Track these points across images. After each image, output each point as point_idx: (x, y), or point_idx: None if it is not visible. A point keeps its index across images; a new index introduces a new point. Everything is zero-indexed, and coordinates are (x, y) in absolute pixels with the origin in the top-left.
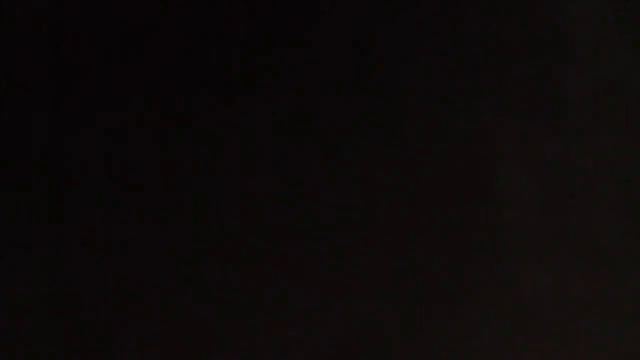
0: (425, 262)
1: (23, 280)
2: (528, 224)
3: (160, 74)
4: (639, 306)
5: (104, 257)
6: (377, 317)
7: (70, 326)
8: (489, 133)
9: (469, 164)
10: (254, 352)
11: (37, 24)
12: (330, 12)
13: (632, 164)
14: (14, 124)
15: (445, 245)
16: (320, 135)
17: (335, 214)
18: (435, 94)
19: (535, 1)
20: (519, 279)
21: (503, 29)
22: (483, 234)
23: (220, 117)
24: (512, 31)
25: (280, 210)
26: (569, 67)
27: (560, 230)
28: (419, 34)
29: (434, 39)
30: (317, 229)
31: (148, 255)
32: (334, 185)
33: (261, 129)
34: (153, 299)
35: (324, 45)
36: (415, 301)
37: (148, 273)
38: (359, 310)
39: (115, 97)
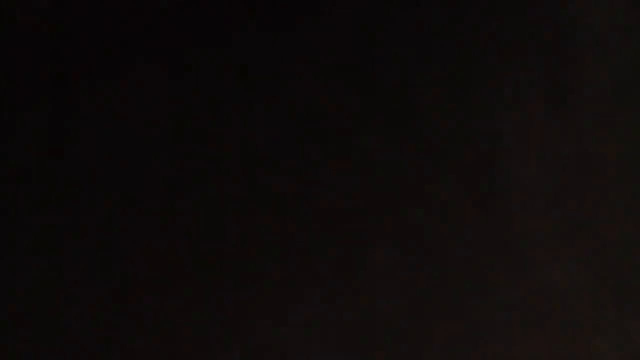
0: (435, 258)
1: (23, 280)
2: (540, 219)
3: (160, 74)
4: None
5: (104, 257)
6: (388, 313)
7: (70, 326)
8: (500, 128)
9: (480, 159)
10: (258, 351)
11: (37, 24)
12: (334, 11)
13: None
14: (14, 124)
15: (456, 241)
16: (328, 132)
17: (343, 211)
18: (445, 90)
19: None
20: (531, 273)
21: (515, 23)
22: (494, 229)
23: (222, 115)
24: (524, 25)
25: (285, 207)
26: (582, 61)
27: (572, 225)
28: (429, 30)
29: (444, 35)
30: (324, 226)
31: (149, 254)
32: (342, 182)
33: (268, 127)
34: (154, 298)
35: (331, 44)
36: (425, 297)
37: (149, 272)
38: (368, 307)
39: (115, 97)
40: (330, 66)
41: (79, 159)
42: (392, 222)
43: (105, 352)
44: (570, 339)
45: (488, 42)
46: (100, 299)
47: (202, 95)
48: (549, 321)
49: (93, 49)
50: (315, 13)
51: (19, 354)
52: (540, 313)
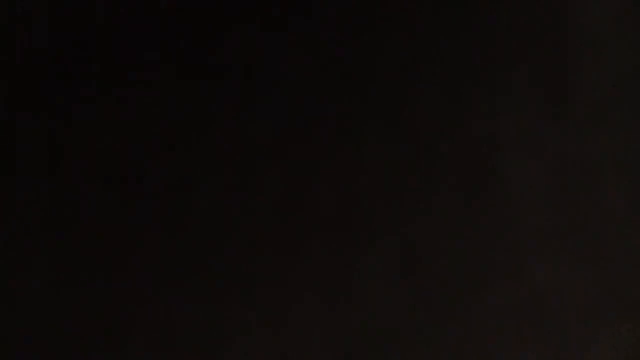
0: (432, 261)
1: (23, 280)
2: (538, 219)
3: (159, 74)
4: None
5: (104, 257)
6: (384, 315)
7: (70, 326)
8: (499, 129)
9: (478, 160)
10: (257, 351)
11: (37, 24)
12: (335, 12)
13: None
14: (14, 124)
15: (454, 241)
16: (326, 133)
17: (340, 213)
18: (444, 91)
19: None
20: (530, 274)
21: (514, 23)
22: (492, 232)
23: (221, 116)
24: (523, 25)
25: (283, 209)
26: (581, 61)
27: (571, 225)
28: (427, 31)
29: (442, 36)
30: (321, 229)
31: (149, 254)
32: (339, 184)
33: (268, 128)
34: (153, 298)
35: (331, 45)
36: (422, 299)
37: (148, 272)
38: (365, 309)
39: (114, 97)
40: (329, 67)
41: (79, 159)
42: (389, 224)
43: (104, 352)
44: (567, 341)
45: (487, 43)
46: (100, 299)
47: (201, 96)
48: (547, 323)
49: (92, 49)
50: (315, 14)
51: (19, 354)
52: (538, 315)
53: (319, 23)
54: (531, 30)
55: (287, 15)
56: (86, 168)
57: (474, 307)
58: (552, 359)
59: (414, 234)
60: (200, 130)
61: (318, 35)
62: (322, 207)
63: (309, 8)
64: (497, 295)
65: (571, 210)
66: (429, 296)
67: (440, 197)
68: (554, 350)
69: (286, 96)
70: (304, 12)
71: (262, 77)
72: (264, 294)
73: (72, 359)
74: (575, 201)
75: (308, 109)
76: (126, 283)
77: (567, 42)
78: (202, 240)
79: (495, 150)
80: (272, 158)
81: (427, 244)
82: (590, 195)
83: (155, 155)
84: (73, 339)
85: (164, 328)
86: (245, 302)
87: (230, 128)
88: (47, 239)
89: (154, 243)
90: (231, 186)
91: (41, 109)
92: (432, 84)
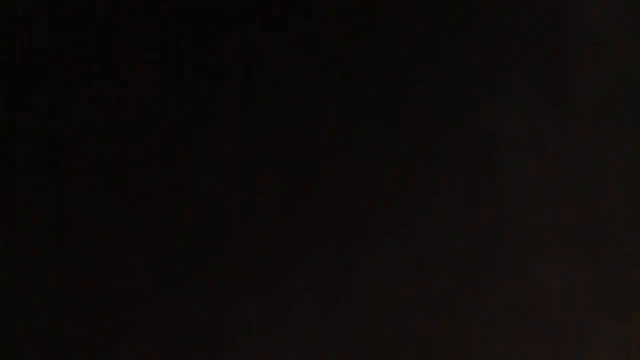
0: (432, 260)
1: (23, 280)
2: (538, 219)
3: (159, 75)
4: None
5: (104, 257)
6: (384, 315)
7: (70, 326)
8: (499, 129)
9: (478, 160)
10: (257, 351)
11: (37, 24)
12: (334, 11)
13: None
14: (14, 124)
15: (454, 242)
16: (326, 134)
17: (340, 212)
18: (444, 91)
19: None
20: (530, 274)
21: (514, 23)
22: (492, 232)
23: (221, 116)
24: (523, 25)
25: (283, 209)
26: (581, 61)
27: (571, 225)
28: (427, 31)
29: (442, 36)
30: (322, 228)
31: (148, 254)
32: (339, 183)
33: (268, 128)
34: (153, 298)
35: (331, 45)
36: (421, 299)
37: (148, 272)
38: (365, 309)
39: (114, 97)
40: (329, 67)
41: (79, 159)
42: (388, 224)
43: (104, 352)
44: (567, 341)
45: (487, 43)
46: (100, 299)
47: (201, 96)
48: (547, 324)
49: (92, 49)
50: (315, 13)
51: (19, 354)
52: (538, 316)
53: (319, 23)
54: (531, 30)
55: (287, 15)
56: (86, 168)
57: (474, 307)
58: (552, 359)
59: (414, 234)
60: (200, 130)
61: (318, 35)
62: (322, 207)
63: (309, 8)
64: (497, 295)
65: (571, 210)
66: (429, 296)
67: (440, 197)
68: (554, 350)
69: (286, 96)
70: (304, 12)
71: (262, 77)
72: (264, 294)
73: (72, 359)
74: (575, 201)
75: (308, 109)
76: (126, 283)
77: (567, 42)
78: (202, 240)
79: (495, 150)
80: (272, 158)
81: (427, 244)
82: (590, 195)
83: (155, 155)
84: (73, 339)
85: (164, 328)
86: (245, 302)
87: (230, 128)
88: (47, 239)
89: (154, 243)
90: (231, 186)
91: (41, 109)
92: (432, 84)
